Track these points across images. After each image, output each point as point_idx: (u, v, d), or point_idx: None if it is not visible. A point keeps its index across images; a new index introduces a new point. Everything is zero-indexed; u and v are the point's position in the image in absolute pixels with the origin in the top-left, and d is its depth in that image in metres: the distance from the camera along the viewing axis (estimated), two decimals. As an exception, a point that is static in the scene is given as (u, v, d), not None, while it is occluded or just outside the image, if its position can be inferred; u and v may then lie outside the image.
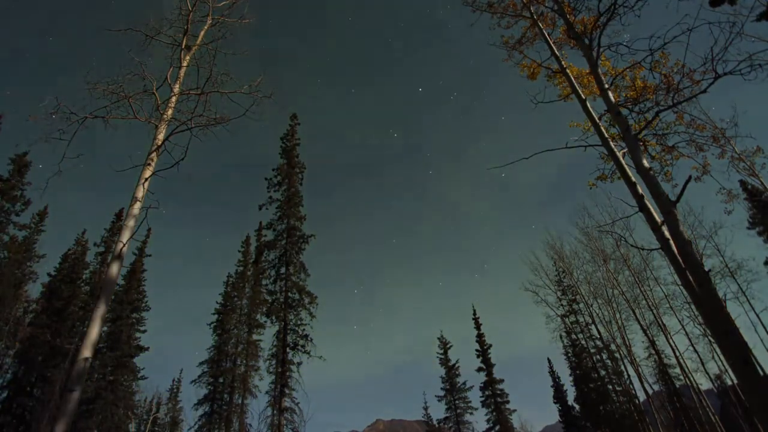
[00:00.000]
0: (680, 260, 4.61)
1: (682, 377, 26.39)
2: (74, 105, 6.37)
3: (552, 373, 35.91)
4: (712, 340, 24.74)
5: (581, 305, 33.13)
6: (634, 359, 27.50)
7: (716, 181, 15.96)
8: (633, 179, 5.66)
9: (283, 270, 19.35)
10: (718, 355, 25.92)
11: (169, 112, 6.98)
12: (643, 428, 26.94)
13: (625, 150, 6.06)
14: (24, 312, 25.14)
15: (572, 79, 7.31)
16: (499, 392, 32.32)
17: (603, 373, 31.27)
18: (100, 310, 4.94)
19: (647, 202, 5.39)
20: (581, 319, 33.53)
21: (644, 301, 26.46)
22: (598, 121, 6.67)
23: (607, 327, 29.98)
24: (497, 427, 31.13)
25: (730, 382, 30.01)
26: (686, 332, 25.38)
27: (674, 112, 7.43)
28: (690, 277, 4.46)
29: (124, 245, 5.43)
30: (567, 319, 33.89)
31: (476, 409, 32.56)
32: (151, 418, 35.93)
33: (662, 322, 25.46)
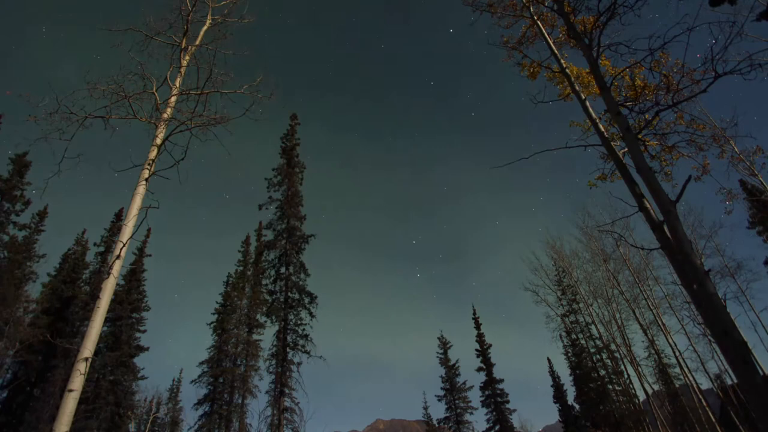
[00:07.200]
0: (680, 260, 4.61)
1: (681, 377, 26.43)
2: (74, 105, 6.37)
3: (552, 372, 35.96)
4: (712, 339, 24.74)
5: (581, 305, 33.18)
6: (634, 359, 27.54)
7: (716, 181, 15.95)
8: (633, 179, 5.66)
9: (283, 270, 19.36)
10: (718, 355, 25.95)
11: (169, 111, 6.99)
12: (642, 428, 26.96)
13: (624, 150, 6.06)
14: (24, 312, 25.11)
15: (572, 78, 7.31)
16: (499, 392, 32.35)
17: (603, 372, 31.30)
18: (101, 310, 4.94)
19: (647, 202, 5.40)
20: (581, 319, 33.58)
21: (644, 301, 26.49)
22: (598, 120, 6.67)
23: (607, 327, 30.04)
24: (497, 427, 31.14)
25: (730, 382, 30.02)
26: (686, 332, 25.45)
27: (674, 112, 7.42)
28: (690, 277, 4.46)
29: (124, 245, 5.43)
30: (567, 319, 33.94)
31: (476, 408, 32.63)
32: (151, 418, 35.93)
33: (662, 321, 25.48)
